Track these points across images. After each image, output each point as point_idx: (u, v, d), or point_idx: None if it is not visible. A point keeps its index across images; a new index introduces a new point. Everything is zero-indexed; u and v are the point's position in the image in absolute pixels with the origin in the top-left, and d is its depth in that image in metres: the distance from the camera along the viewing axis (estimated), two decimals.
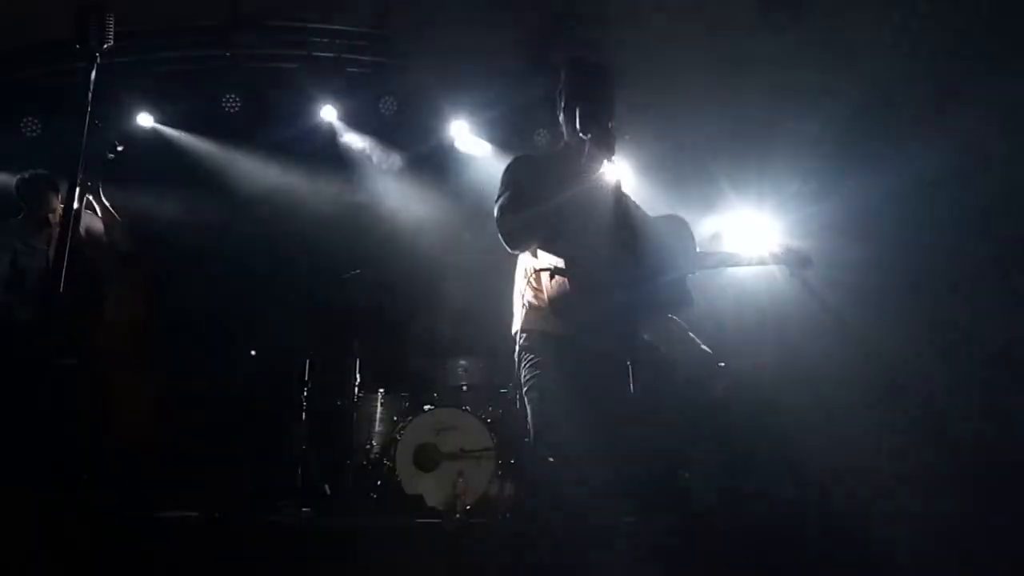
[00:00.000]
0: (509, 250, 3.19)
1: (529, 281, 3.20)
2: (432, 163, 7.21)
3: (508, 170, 3.27)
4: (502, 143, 7.20)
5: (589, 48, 6.39)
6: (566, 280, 2.97)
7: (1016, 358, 5.01)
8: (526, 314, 3.20)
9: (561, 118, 3.26)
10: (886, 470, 5.01)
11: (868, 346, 5.60)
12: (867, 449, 5.12)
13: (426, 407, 5.89)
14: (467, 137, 7.19)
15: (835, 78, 5.86)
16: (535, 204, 3.08)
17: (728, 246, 5.65)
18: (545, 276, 3.07)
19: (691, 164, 6.61)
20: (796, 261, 3.73)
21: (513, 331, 3.27)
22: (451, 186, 7.12)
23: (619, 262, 2.95)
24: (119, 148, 4.43)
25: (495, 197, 3.21)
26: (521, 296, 3.24)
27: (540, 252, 3.11)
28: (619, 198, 3.19)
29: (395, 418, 6.06)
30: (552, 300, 3.04)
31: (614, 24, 6.20)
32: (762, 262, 3.76)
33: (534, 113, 7.26)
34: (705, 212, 6.07)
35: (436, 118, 7.11)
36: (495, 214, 3.16)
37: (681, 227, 3.28)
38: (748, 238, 5.89)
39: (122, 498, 4.49)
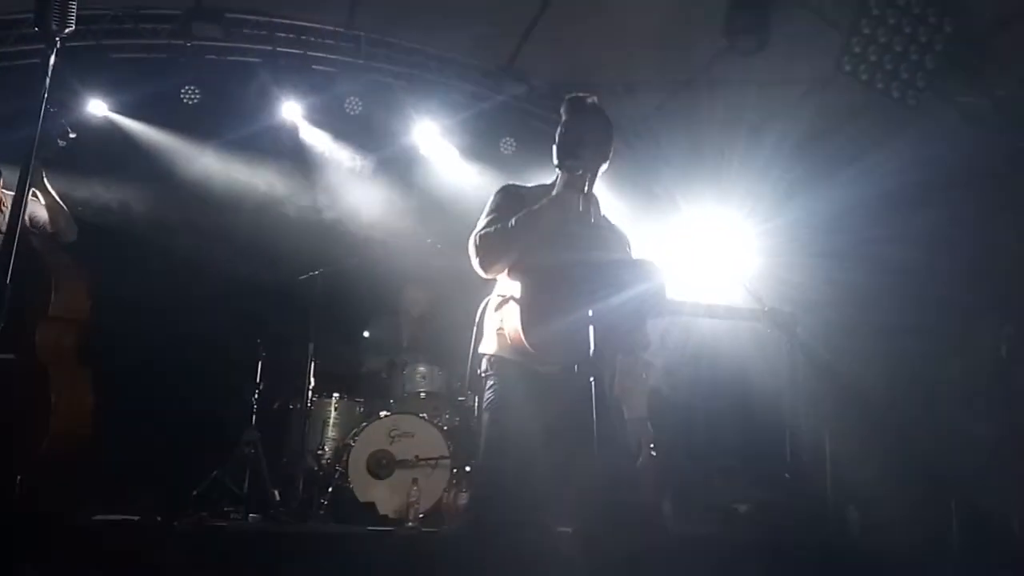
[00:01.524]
0: (482, 274, 3.24)
1: (500, 306, 3.23)
2: (396, 166, 7.14)
3: (494, 197, 3.35)
4: (467, 148, 7.15)
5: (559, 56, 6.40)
6: (530, 309, 3.02)
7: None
8: (496, 338, 3.22)
9: (553, 153, 3.27)
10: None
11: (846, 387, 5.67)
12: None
13: (382, 413, 5.78)
14: (433, 141, 7.12)
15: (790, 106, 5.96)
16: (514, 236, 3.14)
17: (712, 296, 5.68)
18: (512, 304, 3.10)
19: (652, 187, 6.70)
20: (781, 324, 3.78)
21: (480, 351, 3.29)
22: (415, 190, 7.05)
23: (582, 298, 2.97)
24: (71, 135, 4.27)
25: (477, 221, 3.28)
26: (492, 318, 3.26)
27: (511, 279, 3.15)
28: (594, 234, 3.25)
29: (349, 423, 5.94)
30: (516, 329, 3.08)
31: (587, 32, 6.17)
32: (745, 318, 3.82)
33: (501, 119, 7.24)
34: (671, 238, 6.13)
35: (402, 120, 7.03)
36: (473, 237, 3.21)
37: (652, 273, 3.28)
38: (731, 288, 5.91)
39: (61, 500, 4.32)
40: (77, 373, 4.65)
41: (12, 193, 4.30)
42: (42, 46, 3.24)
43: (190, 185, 6.68)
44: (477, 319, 3.35)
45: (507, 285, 3.19)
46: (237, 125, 6.73)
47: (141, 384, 5.82)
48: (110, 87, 6.55)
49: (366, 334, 6.63)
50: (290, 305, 6.12)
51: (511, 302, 3.13)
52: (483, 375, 3.28)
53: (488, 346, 3.28)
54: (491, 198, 3.36)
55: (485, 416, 3.22)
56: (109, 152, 6.42)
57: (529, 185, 3.43)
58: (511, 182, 3.47)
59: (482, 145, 7.17)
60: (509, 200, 3.31)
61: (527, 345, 3.03)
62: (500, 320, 3.22)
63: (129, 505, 4.68)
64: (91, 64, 6.41)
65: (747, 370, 5.90)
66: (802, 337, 4.39)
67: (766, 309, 3.87)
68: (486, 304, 3.34)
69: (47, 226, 4.64)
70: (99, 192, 6.28)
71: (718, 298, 5.25)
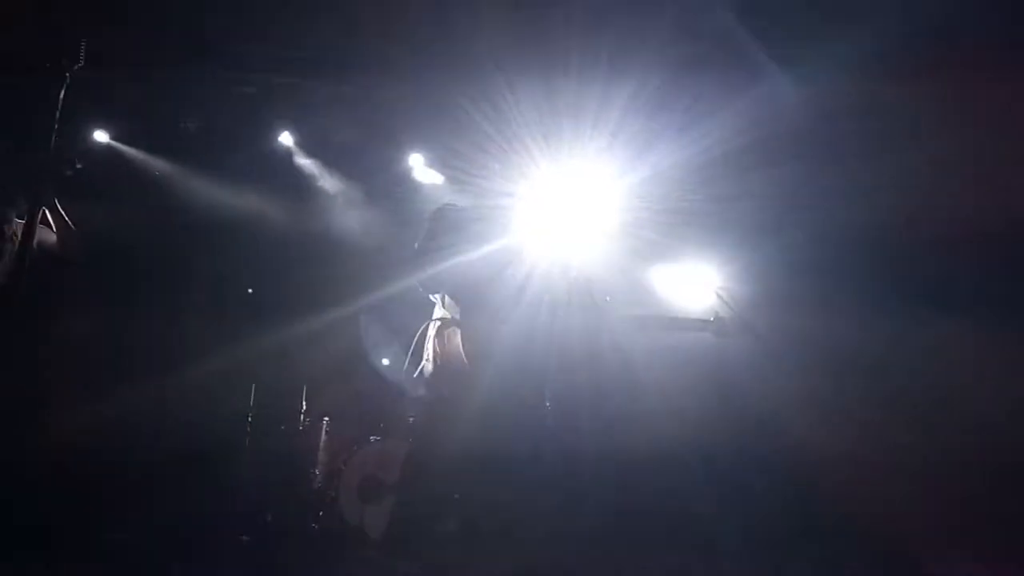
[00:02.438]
0: (421, 291, 3.40)
1: (436, 331, 3.38)
2: (389, 193, 7.25)
3: (430, 218, 3.56)
4: (457, 178, 7.28)
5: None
6: (461, 335, 3.19)
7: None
8: (431, 362, 3.38)
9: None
10: None
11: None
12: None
13: (372, 438, 5.87)
14: (424, 169, 7.26)
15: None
16: (446, 256, 3.34)
17: (670, 306, 5.83)
18: (449, 330, 3.26)
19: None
20: (729, 328, 3.94)
21: (415, 373, 3.45)
22: (406, 217, 7.17)
23: (517, 327, 3.15)
24: (78, 166, 4.43)
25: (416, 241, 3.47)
26: (429, 341, 3.42)
27: (447, 304, 3.31)
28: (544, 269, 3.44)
29: (340, 448, 6.03)
30: (447, 354, 3.25)
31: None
32: (698, 328, 3.98)
33: (488, 148, 7.37)
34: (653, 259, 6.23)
35: (394, 148, 7.17)
36: (411, 258, 3.42)
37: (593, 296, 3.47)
38: (688, 295, 6.05)
39: (56, 522, 4.40)
40: (75, 396, 4.76)
41: (21, 221, 4.46)
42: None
43: (189, 211, 6.81)
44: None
45: (446, 310, 3.36)
46: (235, 153, 6.88)
47: (136, 407, 5.89)
48: (112, 117, 6.70)
49: (357, 358, 6.72)
50: (282, 328, 6.23)
51: (448, 329, 3.31)
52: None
53: (426, 370, 3.47)
54: (428, 218, 3.57)
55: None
56: (113, 179, 6.55)
57: (463, 207, 3.62)
58: (448, 202, 3.66)
59: (472, 175, 7.29)
60: (447, 222, 3.52)
61: (458, 372, 3.27)
62: (435, 343, 3.40)
63: (120, 528, 4.75)
64: (94, 95, 6.56)
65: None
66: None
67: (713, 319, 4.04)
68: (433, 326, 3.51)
69: (56, 250, 4.76)
70: (102, 217, 6.41)
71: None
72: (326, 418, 6.14)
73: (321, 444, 6.06)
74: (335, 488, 5.59)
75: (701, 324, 4.03)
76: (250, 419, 5.84)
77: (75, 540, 4.32)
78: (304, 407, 5.95)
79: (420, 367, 3.53)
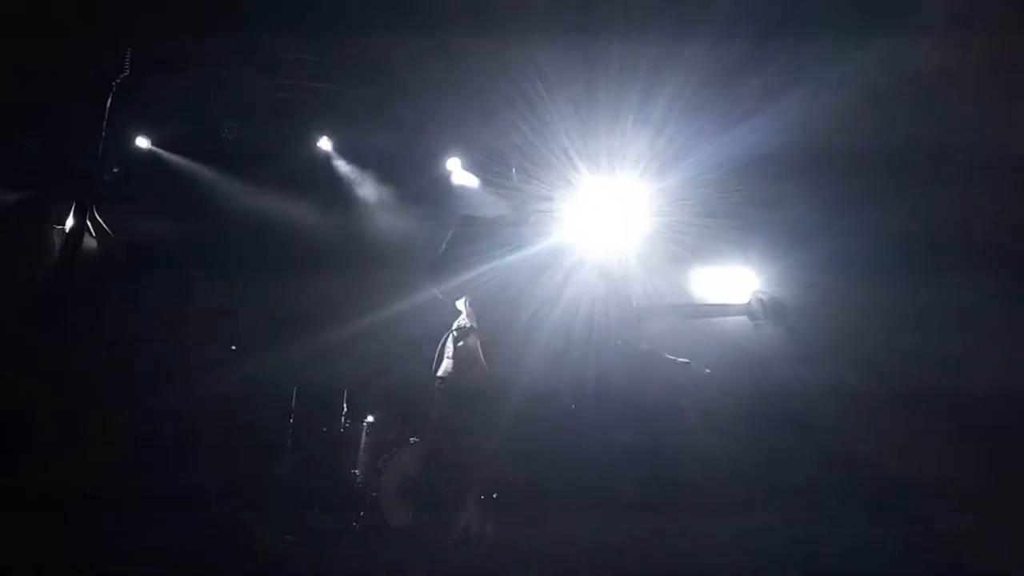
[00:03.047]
0: (441, 298, 3.43)
1: (456, 336, 3.42)
2: (428, 197, 7.30)
3: (454, 226, 3.63)
4: (494, 182, 7.30)
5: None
6: (480, 342, 3.23)
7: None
8: (452, 364, 3.42)
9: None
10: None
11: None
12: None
13: (412, 439, 5.92)
14: (462, 172, 7.29)
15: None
16: (467, 264, 3.38)
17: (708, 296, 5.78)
18: (469, 337, 3.30)
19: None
20: (771, 312, 3.90)
21: (439, 374, 3.48)
22: (444, 220, 7.20)
23: (535, 334, 3.18)
24: (115, 170, 4.51)
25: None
26: (449, 346, 3.45)
27: (466, 310, 3.35)
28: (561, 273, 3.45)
29: (380, 449, 6.08)
30: (466, 358, 3.28)
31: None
32: (737, 313, 3.94)
33: (526, 151, 7.38)
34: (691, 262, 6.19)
35: (432, 153, 7.21)
36: (434, 263, 3.48)
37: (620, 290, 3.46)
38: (725, 287, 6.01)
39: (102, 522, 4.49)
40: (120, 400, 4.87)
41: (61, 227, 4.56)
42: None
43: (229, 215, 6.92)
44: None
45: (466, 316, 3.40)
46: (274, 158, 6.97)
47: (180, 407, 5.99)
48: (153, 123, 6.82)
49: (397, 360, 6.77)
50: (324, 333, 6.30)
51: (470, 336, 3.34)
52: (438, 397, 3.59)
53: (446, 371, 3.61)
54: (451, 227, 3.62)
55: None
56: (154, 184, 6.67)
57: (485, 216, 3.64)
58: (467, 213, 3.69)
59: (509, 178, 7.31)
60: (469, 230, 3.56)
61: (478, 376, 3.39)
62: (454, 348, 3.44)
63: (166, 529, 4.83)
64: (135, 102, 6.68)
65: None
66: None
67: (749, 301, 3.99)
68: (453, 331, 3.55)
69: (96, 256, 4.86)
70: (143, 222, 6.52)
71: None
72: (366, 420, 6.19)
73: (362, 445, 6.11)
74: (375, 488, 5.64)
75: (736, 309, 3.99)
76: (292, 420, 5.91)
77: (117, 543, 4.38)
78: (345, 409, 6.00)
79: (442, 368, 3.58)
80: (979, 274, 5.42)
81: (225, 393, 6.29)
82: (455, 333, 3.55)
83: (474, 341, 3.39)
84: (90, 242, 4.87)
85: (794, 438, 5.62)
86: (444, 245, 3.53)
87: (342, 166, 7.25)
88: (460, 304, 3.58)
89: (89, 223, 4.80)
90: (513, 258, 3.41)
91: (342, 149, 7.20)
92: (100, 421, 4.61)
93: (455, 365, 3.48)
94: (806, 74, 5.15)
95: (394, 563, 4.96)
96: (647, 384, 3.94)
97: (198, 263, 6.67)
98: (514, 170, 6.53)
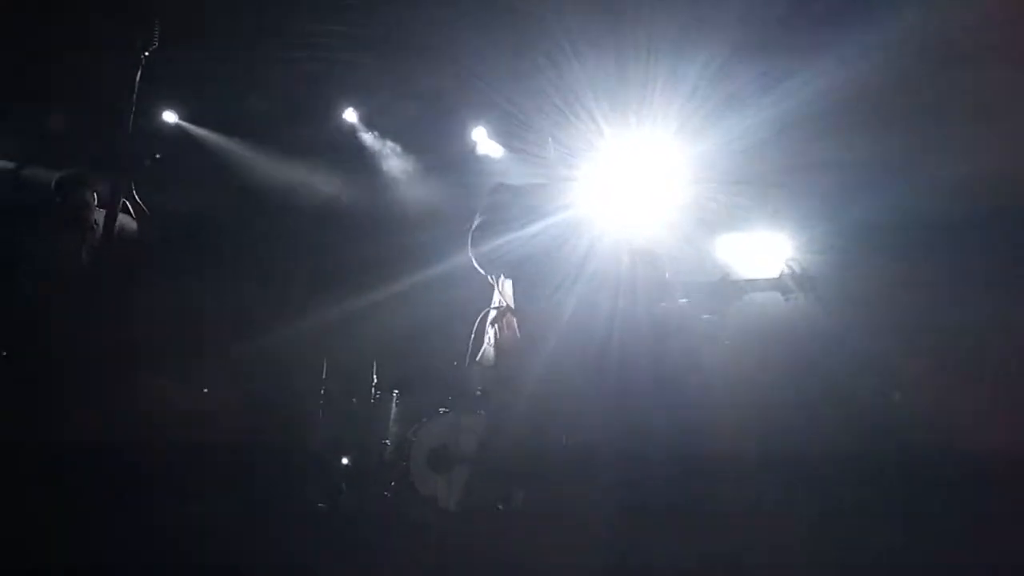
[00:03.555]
0: (481, 272, 3.40)
1: (494, 318, 3.40)
2: (455, 167, 7.26)
3: (488, 194, 3.56)
4: (521, 150, 7.24)
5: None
6: (518, 321, 3.20)
7: None
8: (492, 344, 3.40)
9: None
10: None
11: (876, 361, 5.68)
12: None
13: (441, 409, 5.94)
14: (489, 142, 7.24)
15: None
16: (503, 232, 3.34)
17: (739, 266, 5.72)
18: (507, 317, 3.28)
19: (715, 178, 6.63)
20: (803, 284, 3.84)
21: (478, 359, 3.48)
22: (473, 191, 7.17)
23: (579, 304, 3.15)
24: (157, 156, 4.54)
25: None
26: (489, 327, 3.44)
27: (504, 287, 3.32)
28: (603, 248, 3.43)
29: (410, 419, 6.12)
30: (506, 339, 3.26)
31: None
32: (769, 288, 3.89)
33: (554, 118, 7.30)
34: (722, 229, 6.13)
35: (458, 122, 7.16)
36: (469, 236, 3.43)
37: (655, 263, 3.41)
38: (756, 256, 5.94)
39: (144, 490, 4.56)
40: (161, 376, 4.94)
41: (103, 209, 4.59)
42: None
43: (258, 189, 6.94)
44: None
45: (503, 294, 3.37)
46: (301, 130, 6.96)
47: (213, 382, 6.05)
48: (181, 97, 6.83)
49: (425, 331, 6.79)
50: (353, 304, 6.33)
51: (506, 314, 3.32)
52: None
53: (485, 352, 3.56)
54: (485, 195, 3.58)
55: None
56: (183, 159, 6.68)
57: (519, 184, 3.60)
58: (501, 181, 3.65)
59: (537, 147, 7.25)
60: (504, 199, 3.51)
61: (514, 358, 3.38)
62: (495, 328, 3.44)
63: (197, 500, 4.89)
64: (162, 76, 6.68)
65: None
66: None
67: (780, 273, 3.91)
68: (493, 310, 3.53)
69: (135, 236, 4.89)
70: (174, 196, 6.55)
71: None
72: (396, 391, 6.22)
73: (392, 416, 6.15)
74: (406, 458, 5.68)
75: (767, 284, 3.93)
76: (323, 392, 5.96)
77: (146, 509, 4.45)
78: (375, 380, 6.04)
79: (482, 351, 3.57)
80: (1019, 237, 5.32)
81: (254, 365, 6.36)
82: (492, 313, 3.53)
83: (511, 321, 3.36)
84: (130, 224, 4.89)
85: (826, 408, 5.59)
86: (479, 214, 3.50)
87: (367, 136, 7.21)
88: (495, 281, 3.55)
89: (129, 206, 4.83)
90: (546, 225, 3.38)
91: (367, 119, 7.15)
92: (137, 392, 4.66)
93: (495, 349, 3.45)
94: (844, 37, 5.03)
95: (426, 531, 5.02)
96: (674, 358, 3.88)
97: (225, 236, 6.70)
98: (550, 140, 6.47)
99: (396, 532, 5.11)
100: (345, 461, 5.96)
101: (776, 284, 3.91)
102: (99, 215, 4.74)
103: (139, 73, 3.42)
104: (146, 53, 3.55)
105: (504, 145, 7.24)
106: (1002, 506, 4.65)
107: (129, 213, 4.83)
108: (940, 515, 4.76)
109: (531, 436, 3.35)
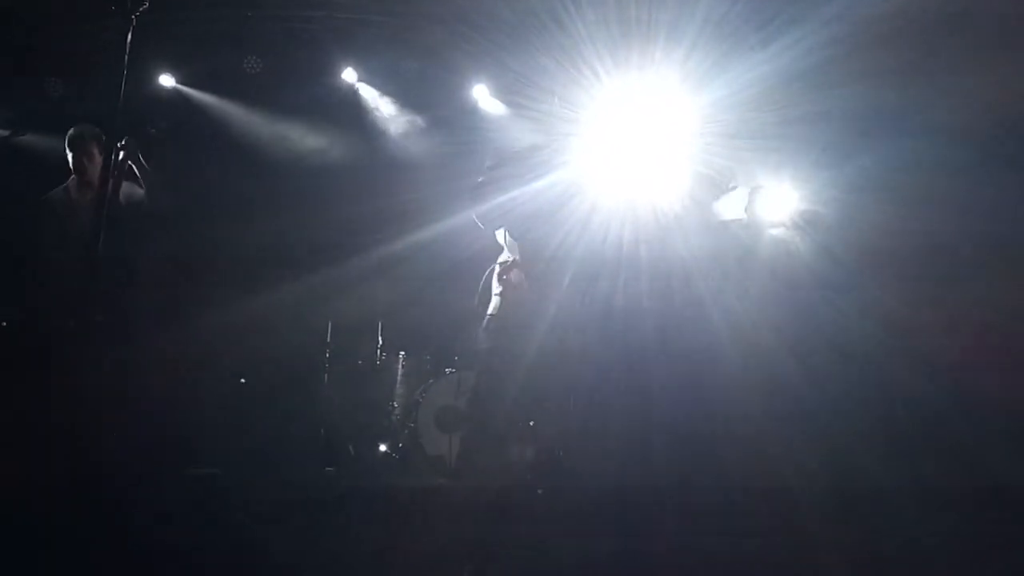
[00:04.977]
0: (481, 227, 3.43)
1: (500, 272, 3.43)
2: (455, 125, 7.20)
3: (491, 152, 3.74)
4: (523, 106, 7.17)
5: None
6: (518, 274, 3.23)
7: None
8: (496, 300, 3.44)
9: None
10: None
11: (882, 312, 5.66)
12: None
13: (447, 370, 5.96)
14: (489, 100, 7.16)
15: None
16: (505, 188, 3.42)
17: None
18: (514, 271, 3.31)
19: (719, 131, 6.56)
20: (810, 224, 3.85)
21: (488, 312, 3.50)
22: (474, 149, 7.12)
23: (574, 264, 3.17)
24: (163, 125, 4.48)
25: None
26: (495, 281, 3.47)
27: (508, 243, 3.35)
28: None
29: (417, 380, 6.15)
30: (513, 291, 3.29)
31: None
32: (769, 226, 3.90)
33: (555, 73, 7.22)
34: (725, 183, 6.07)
35: (459, 79, 7.08)
36: (471, 193, 3.52)
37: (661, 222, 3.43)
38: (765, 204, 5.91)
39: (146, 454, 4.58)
40: (162, 336, 4.92)
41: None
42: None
43: (256, 151, 6.89)
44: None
45: (505, 249, 3.39)
46: (300, 91, 6.89)
47: (217, 346, 6.06)
48: (177, 60, 6.75)
49: (430, 293, 6.78)
50: (357, 267, 6.32)
51: (509, 268, 3.34)
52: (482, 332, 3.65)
53: (492, 307, 3.62)
54: (486, 157, 3.68)
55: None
56: (180, 122, 6.63)
57: (516, 146, 3.62)
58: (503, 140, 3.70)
59: (537, 104, 7.19)
60: (502, 159, 3.52)
61: (515, 313, 3.46)
62: (499, 282, 3.45)
63: (207, 462, 4.93)
64: (158, 38, 6.60)
65: None
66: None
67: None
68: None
69: (143, 202, 4.81)
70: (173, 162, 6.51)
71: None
72: (402, 352, 6.24)
73: (398, 378, 6.17)
74: (414, 419, 5.71)
75: (772, 224, 3.93)
76: (328, 354, 5.97)
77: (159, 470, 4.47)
78: (380, 342, 6.05)
79: (491, 303, 3.61)
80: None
81: (260, 329, 6.37)
82: (498, 268, 3.56)
83: (519, 275, 3.39)
84: (137, 191, 4.82)
85: (829, 363, 5.57)
86: (482, 172, 3.53)
87: (367, 96, 7.14)
88: (500, 237, 3.57)
89: (135, 168, 4.75)
90: (548, 182, 3.39)
91: (367, 79, 7.08)
92: (139, 354, 4.66)
93: (503, 301, 3.49)
94: None
95: (434, 490, 5.05)
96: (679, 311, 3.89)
97: (227, 198, 6.67)
98: (556, 97, 6.40)
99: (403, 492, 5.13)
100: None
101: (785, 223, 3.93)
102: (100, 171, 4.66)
103: (130, 35, 3.35)
104: (137, 14, 3.46)
105: (505, 102, 7.16)
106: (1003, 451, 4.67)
107: (136, 180, 4.76)
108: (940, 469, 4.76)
109: (529, 390, 3.39)
